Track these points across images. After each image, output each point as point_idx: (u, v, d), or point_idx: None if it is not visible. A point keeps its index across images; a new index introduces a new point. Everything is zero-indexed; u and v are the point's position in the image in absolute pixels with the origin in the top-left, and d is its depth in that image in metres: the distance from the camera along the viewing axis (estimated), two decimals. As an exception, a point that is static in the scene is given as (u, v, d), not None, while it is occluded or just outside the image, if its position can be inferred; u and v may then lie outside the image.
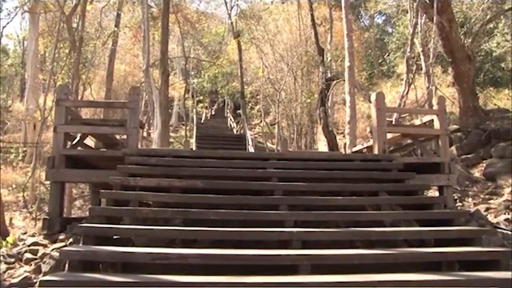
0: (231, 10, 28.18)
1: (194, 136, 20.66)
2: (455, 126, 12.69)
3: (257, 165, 6.29)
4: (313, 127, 21.52)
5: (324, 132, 14.29)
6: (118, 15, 20.34)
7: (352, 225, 4.89)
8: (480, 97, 15.49)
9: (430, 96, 14.19)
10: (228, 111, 32.35)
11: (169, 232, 4.52)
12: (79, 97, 13.90)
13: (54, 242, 5.51)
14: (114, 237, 4.50)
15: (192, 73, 32.60)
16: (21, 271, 4.79)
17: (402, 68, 20.56)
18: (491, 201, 8.80)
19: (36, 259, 5.06)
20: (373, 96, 7.40)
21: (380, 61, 30.05)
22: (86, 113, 20.17)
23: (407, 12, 19.55)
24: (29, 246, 5.44)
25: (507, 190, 9.19)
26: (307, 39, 22.38)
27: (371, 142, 7.67)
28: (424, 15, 14.72)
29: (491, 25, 19.64)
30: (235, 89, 30.19)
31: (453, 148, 11.42)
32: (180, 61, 28.16)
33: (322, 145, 17.43)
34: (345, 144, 12.77)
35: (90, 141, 8.96)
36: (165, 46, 14.10)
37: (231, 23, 27.76)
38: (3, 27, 27.06)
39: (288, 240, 4.40)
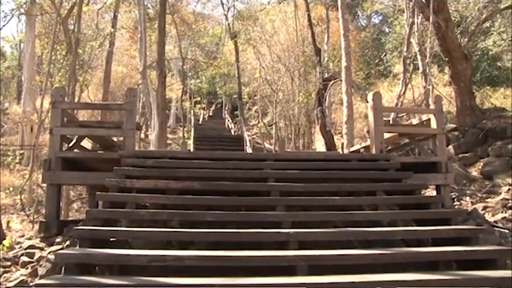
0: (227, 11, 28.18)
1: (192, 137, 20.68)
2: (452, 125, 12.73)
3: (254, 166, 6.27)
4: (311, 127, 21.55)
5: (322, 132, 14.31)
6: (115, 17, 20.28)
7: (349, 225, 4.87)
8: (477, 96, 15.52)
9: (427, 96, 14.21)
10: (225, 112, 32.33)
11: (166, 234, 4.51)
12: (76, 99, 13.87)
13: (51, 245, 5.45)
14: (111, 239, 4.47)
15: (190, 74, 32.59)
16: (18, 275, 4.75)
17: (399, 67, 20.61)
18: (488, 200, 8.81)
19: (32, 262, 5.00)
20: (370, 96, 7.39)
21: (377, 61, 30.10)
22: (83, 115, 20.18)
23: (404, 12, 19.61)
24: (25, 249, 5.38)
25: (505, 188, 9.22)
26: (304, 39, 22.43)
27: (368, 142, 7.66)
28: (421, 14, 14.77)
29: (487, 24, 19.71)
30: (232, 90, 30.21)
31: (450, 147, 11.47)
32: (177, 62, 28.14)
33: (320, 145, 17.44)
34: (342, 144, 12.78)
35: (87, 143, 8.92)
36: (162, 48, 14.11)
37: (228, 24, 27.77)
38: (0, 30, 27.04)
39: (285, 241, 4.38)
